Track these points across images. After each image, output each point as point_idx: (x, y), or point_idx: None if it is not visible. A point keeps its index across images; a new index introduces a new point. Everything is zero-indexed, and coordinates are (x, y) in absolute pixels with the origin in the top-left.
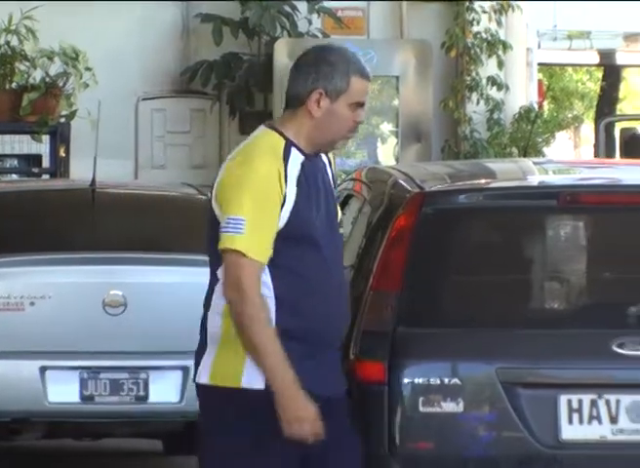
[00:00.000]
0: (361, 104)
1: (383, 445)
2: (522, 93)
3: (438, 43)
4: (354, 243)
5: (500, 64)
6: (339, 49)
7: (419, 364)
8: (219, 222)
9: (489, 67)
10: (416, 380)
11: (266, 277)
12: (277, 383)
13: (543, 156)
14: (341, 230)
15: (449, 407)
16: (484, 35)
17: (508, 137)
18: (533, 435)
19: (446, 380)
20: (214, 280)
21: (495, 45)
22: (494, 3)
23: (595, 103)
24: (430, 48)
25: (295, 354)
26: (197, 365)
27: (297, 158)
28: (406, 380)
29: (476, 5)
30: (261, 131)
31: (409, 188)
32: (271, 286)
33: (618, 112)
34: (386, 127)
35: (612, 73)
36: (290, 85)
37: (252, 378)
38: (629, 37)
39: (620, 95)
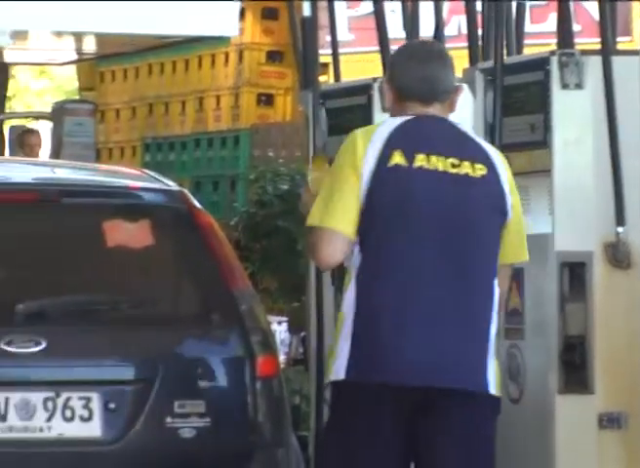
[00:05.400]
0: None
1: None
2: None
3: None
4: None
5: None
6: None
7: None
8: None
9: None
10: None
11: None
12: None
13: None
14: None
15: None
16: None
17: None
18: None
19: None
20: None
21: None
22: None
23: None
24: None
25: None
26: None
27: None
28: None
29: None
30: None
31: None
32: None
33: (8, 110)
34: None
35: (0, 71)
36: (441, 79)
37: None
38: (17, 34)
39: (10, 92)
